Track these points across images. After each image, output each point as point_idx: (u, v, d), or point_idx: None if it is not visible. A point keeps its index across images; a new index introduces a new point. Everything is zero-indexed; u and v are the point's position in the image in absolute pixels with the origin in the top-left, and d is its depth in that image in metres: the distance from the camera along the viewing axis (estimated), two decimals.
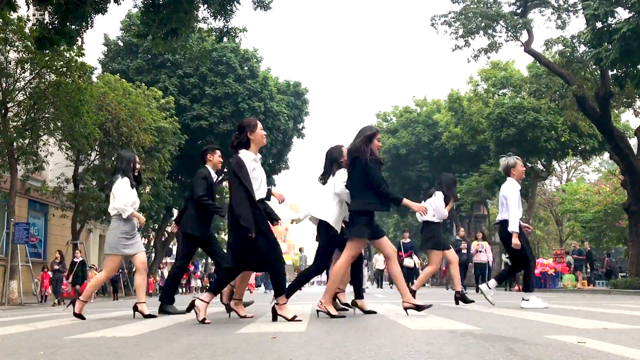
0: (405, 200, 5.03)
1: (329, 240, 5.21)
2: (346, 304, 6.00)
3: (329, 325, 4.39)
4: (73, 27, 11.66)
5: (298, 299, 10.57)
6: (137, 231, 6.05)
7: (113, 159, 19.20)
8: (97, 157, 19.40)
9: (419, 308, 5.00)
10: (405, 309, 5.09)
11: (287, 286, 4.87)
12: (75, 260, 14.80)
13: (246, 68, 25.38)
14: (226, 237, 28.65)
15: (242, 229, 4.43)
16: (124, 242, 5.73)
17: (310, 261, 32.13)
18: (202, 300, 4.78)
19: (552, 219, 34.87)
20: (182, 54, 15.99)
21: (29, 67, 14.73)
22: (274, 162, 28.31)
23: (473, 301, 7.47)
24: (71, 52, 14.42)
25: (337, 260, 5.30)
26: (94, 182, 18.29)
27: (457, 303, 7.45)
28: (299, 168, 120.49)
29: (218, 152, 6.43)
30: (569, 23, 19.08)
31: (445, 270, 20.92)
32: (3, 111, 14.38)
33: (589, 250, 21.64)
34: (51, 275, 14.82)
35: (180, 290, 23.96)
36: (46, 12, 11.60)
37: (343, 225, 5.37)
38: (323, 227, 5.20)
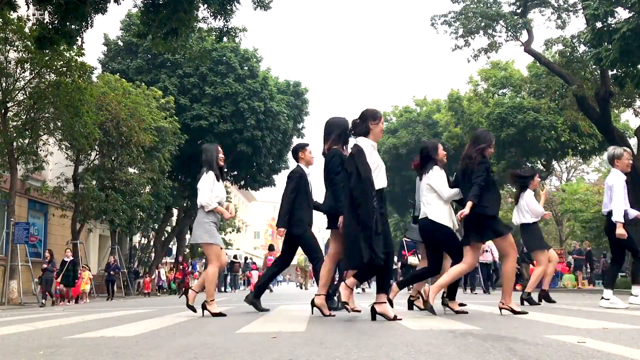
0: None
1: (451, 237, 5.29)
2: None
3: (329, 325, 4.38)
4: (73, 27, 11.67)
5: (298, 299, 10.56)
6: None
7: (113, 158, 19.23)
8: (97, 157, 19.41)
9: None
10: (502, 309, 5.18)
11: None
12: (66, 259, 14.61)
13: (246, 68, 25.37)
14: (227, 237, 28.67)
15: (362, 217, 4.30)
16: (214, 231, 5.73)
17: None
18: (382, 303, 4.62)
19: (552, 218, 34.85)
20: (182, 53, 15.98)
21: (29, 67, 14.73)
22: (274, 162, 28.32)
23: (539, 303, 7.34)
24: (71, 52, 14.42)
25: (330, 257, 5.33)
26: (94, 182, 18.28)
27: (539, 301, 7.39)
28: None
29: (309, 149, 6.38)
30: (569, 23, 19.10)
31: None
32: (3, 111, 14.38)
33: (589, 250, 21.64)
34: (40, 275, 14.44)
35: (179, 290, 23.96)
36: (46, 12, 11.61)
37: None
38: (440, 230, 5.21)
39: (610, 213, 6.13)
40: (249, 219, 57.82)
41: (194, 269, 27.19)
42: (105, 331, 4.35)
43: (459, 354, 2.64)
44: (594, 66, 16.63)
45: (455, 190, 5.26)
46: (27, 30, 14.01)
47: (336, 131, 5.32)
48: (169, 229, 29.19)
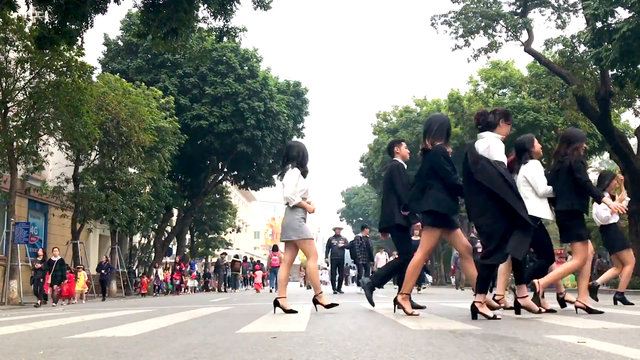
0: (605, 199, 5.29)
1: (543, 232, 5.33)
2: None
3: (328, 325, 4.38)
4: (73, 27, 11.66)
5: (298, 299, 10.55)
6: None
7: (113, 158, 19.23)
8: (97, 157, 19.41)
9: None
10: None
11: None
12: (53, 258, 14.37)
13: (246, 68, 25.38)
14: (226, 237, 28.72)
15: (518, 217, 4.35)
16: (306, 226, 5.77)
17: (318, 262, 31.98)
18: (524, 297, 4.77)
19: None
20: (182, 53, 15.99)
21: (29, 66, 14.74)
22: (273, 162, 28.33)
23: (632, 304, 7.28)
24: (71, 51, 14.43)
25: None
26: (94, 182, 18.28)
27: (615, 303, 7.32)
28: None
29: (404, 144, 6.50)
30: (569, 23, 19.08)
31: (454, 269, 20.66)
32: (3, 111, 14.38)
33: None
34: (33, 275, 14.16)
35: (179, 289, 23.95)
36: (46, 12, 11.59)
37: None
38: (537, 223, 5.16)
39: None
40: (249, 219, 57.79)
41: (192, 268, 27.20)
42: (105, 331, 4.34)
43: (459, 354, 2.64)
44: (594, 66, 16.62)
45: (550, 188, 5.19)
46: (27, 30, 14.02)
47: (437, 127, 5.18)
48: (169, 229, 29.19)
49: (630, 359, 2.43)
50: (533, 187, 5.23)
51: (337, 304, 5.88)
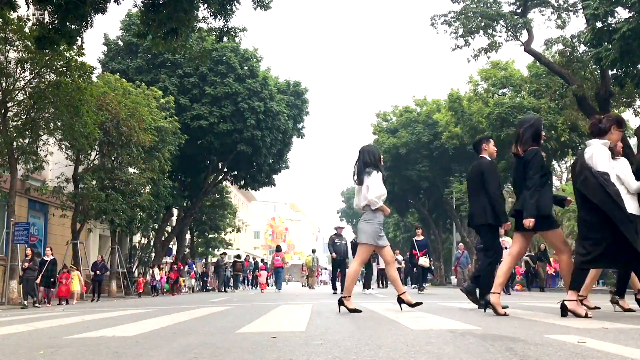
0: None
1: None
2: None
3: (328, 325, 4.39)
4: (73, 27, 11.66)
5: (298, 298, 10.56)
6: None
7: (113, 158, 19.23)
8: (97, 156, 19.41)
9: None
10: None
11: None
12: (46, 258, 14.12)
13: (246, 68, 25.37)
14: (226, 237, 28.60)
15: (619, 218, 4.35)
16: (379, 232, 5.76)
17: (320, 262, 31.92)
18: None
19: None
20: (182, 53, 15.98)
21: (29, 67, 14.74)
22: (273, 161, 28.33)
23: None
24: (71, 51, 14.43)
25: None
26: (94, 182, 18.28)
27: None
28: (299, 168, 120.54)
29: (492, 142, 6.55)
30: (569, 23, 19.08)
31: (456, 268, 20.68)
32: (3, 111, 14.39)
33: None
34: (21, 275, 13.71)
35: (176, 289, 23.94)
36: (46, 12, 11.60)
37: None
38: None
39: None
40: (249, 219, 57.76)
41: (190, 268, 27.18)
42: (105, 331, 4.35)
43: (459, 354, 2.64)
44: (594, 66, 16.63)
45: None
46: (27, 30, 14.02)
47: (530, 130, 5.19)
48: (169, 229, 29.17)
49: (630, 359, 2.43)
50: (625, 185, 5.07)
51: (421, 303, 5.93)
